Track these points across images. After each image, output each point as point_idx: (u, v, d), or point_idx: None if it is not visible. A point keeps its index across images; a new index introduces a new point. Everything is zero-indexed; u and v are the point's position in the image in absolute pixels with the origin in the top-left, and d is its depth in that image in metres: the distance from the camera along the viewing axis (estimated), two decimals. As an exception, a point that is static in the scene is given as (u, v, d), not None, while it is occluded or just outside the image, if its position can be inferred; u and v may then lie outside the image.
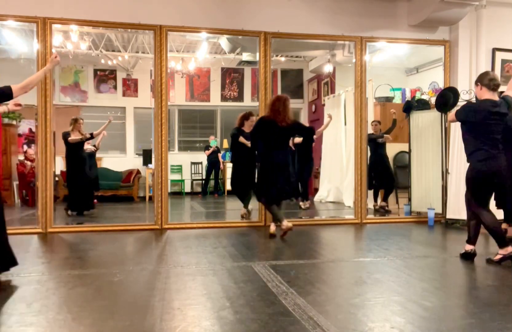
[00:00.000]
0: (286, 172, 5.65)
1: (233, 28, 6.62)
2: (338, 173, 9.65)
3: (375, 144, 7.95)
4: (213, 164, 11.51)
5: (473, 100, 5.75)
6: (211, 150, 11.46)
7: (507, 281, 3.82)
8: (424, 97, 8.16)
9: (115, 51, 10.69)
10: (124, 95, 12.05)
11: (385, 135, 8.04)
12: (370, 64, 7.59)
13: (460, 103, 5.90)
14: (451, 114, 4.63)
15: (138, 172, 11.31)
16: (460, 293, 3.59)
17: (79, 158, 7.64)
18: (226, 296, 3.22)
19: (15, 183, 9.70)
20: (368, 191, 7.22)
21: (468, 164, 4.37)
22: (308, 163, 8.56)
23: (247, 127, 6.87)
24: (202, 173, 12.21)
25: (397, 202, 8.21)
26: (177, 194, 11.69)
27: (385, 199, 8.11)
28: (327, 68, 10.26)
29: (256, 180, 5.95)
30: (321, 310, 2.91)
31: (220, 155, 11.69)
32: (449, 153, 6.81)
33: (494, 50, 7.22)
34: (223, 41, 8.39)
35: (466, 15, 6.95)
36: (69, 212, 7.54)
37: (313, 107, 12.10)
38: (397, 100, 9.06)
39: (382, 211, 7.99)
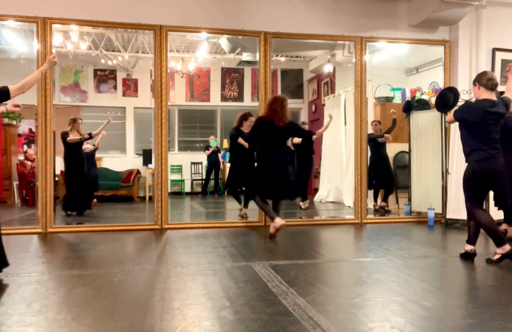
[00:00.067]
0: (284, 171, 5.64)
1: (233, 28, 6.62)
2: (338, 173, 9.65)
3: (376, 144, 7.95)
4: (213, 164, 11.51)
5: (473, 100, 5.75)
6: (211, 150, 11.46)
7: (507, 281, 3.82)
8: (424, 97, 8.16)
9: (115, 51, 10.69)
10: (124, 95, 12.05)
11: (385, 135, 8.04)
12: (370, 64, 7.59)
13: (460, 103, 5.90)
14: (449, 114, 4.62)
15: (138, 172, 11.31)
16: (460, 293, 3.59)
17: (78, 158, 7.64)
18: (226, 296, 3.22)
19: (15, 183, 9.71)
20: (368, 191, 7.22)
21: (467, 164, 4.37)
22: (307, 163, 8.56)
23: (246, 128, 6.87)
24: (202, 173, 12.21)
25: (397, 202, 8.21)
26: (177, 194, 11.69)
27: (385, 199, 8.11)
28: (327, 68, 10.26)
29: (251, 179, 5.91)
30: (321, 310, 2.91)
31: (220, 155, 11.70)
32: (449, 153, 6.81)
33: (494, 50, 7.22)
34: (223, 41, 8.39)
35: (466, 15, 6.95)
36: (68, 212, 7.54)
37: (313, 107, 12.10)
38: (397, 100, 9.06)
39: (382, 211, 7.99)
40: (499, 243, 4.23)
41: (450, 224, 6.66)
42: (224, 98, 12.57)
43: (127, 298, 3.26)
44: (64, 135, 7.46)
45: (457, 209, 6.48)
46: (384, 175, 8.02)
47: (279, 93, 11.43)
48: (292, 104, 12.10)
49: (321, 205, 9.76)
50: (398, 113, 8.13)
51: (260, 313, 2.86)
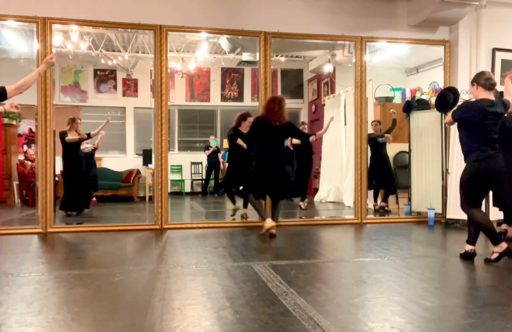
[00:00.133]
0: (283, 171, 5.64)
1: (233, 28, 6.62)
2: (338, 173, 9.65)
3: (376, 144, 7.95)
4: (213, 164, 11.51)
5: (472, 100, 5.74)
6: (211, 150, 11.47)
7: (507, 281, 3.82)
8: (424, 97, 8.16)
9: (115, 51, 10.69)
10: (124, 95, 12.06)
11: (385, 134, 8.04)
12: (370, 64, 7.58)
13: (460, 104, 5.90)
14: (448, 116, 4.62)
15: (138, 172, 11.31)
16: (460, 293, 3.59)
17: (76, 158, 7.63)
18: (226, 296, 3.22)
19: (15, 183, 9.71)
20: (368, 191, 7.22)
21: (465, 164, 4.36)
22: (307, 163, 8.56)
23: (244, 128, 6.84)
24: (202, 173, 12.21)
25: (397, 202, 8.21)
26: (177, 194, 11.69)
27: (385, 199, 8.11)
28: (327, 68, 10.26)
29: (248, 178, 5.91)
30: (321, 310, 2.91)
31: (220, 155, 11.69)
32: (449, 153, 6.81)
33: (494, 50, 7.22)
34: (223, 41, 8.39)
35: (466, 15, 6.95)
36: (68, 212, 7.54)
37: (313, 107, 12.10)
38: (397, 100, 9.06)
39: (382, 211, 7.99)
40: (495, 242, 4.23)
41: (450, 224, 6.66)
42: (224, 98, 12.57)
43: (127, 298, 3.25)
44: (63, 135, 7.46)
45: (457, 209, 6.41)
46: (384, 175, 8.02)
47: (279, 93, 11.43)
48: (292, 104, 12.20)
49: (321, 205, 9.76)
50: (398, 113, 8.13)
51: (260, 313, 2.86)
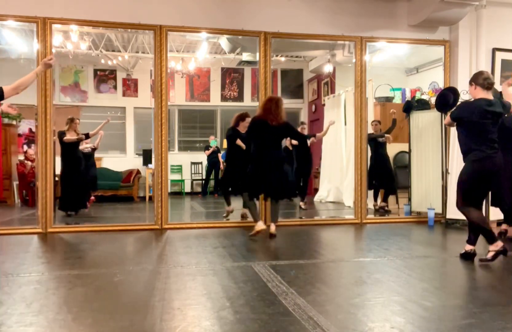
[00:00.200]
0: (280, 171, 5.63)
1: (233, 28, 6.62)
2: (338, 173, 9.65)
3: (376, 144, 7.95)
4: (213, 164, 11.50)
5: (471, 100, 5.75)
6: (211, 150, 11.46)
7: (507, 281, 3.83)
8: (424, 97, 8.16)
9: (115, 51, 10.69)
10: (124, 95, 12.06)
11: (385, 134, 8.04)
12: (370, 64, 7.59)
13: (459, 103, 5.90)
14: (447, 117, 4.62)
15: (138, 172, 11.31)
16: (460, 293, 3.59)
17: (75, 158, 7.62)
18: (226, 296, 3.22)
19: (15, 183, 9.71)
20: (368, 191, 7.22)
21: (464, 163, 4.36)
22: (306, 163, 8.56)
23: (242, 128, 6.83)
24: (202, 173, 12.21)
25: (397, 202, 8.21)
26: (177, 194, 11.69)
27: (385, 199, 8.11)
28: (327, 68, 10.26)
29: (244, 177, 5.91)
30: (321, 310, 2.91)
31: (220, 155, 11.68)
32: (449, 153, 6.81)
33: (494, 50, 7.23)
34: (223, 41, 8.39)
35: (466, 15, 6.95)
36: (68, 212, 7.54)
37: (313, 107, 12.10)
38: (397, 100, 9.06)
39: (382, 211, 7.99)
40: (491, 240, 4.23)
41: (450, 224, 6.66)
42: (224, 98, 12.57)
43: (127, 298, 3.25)
44: (61, 135, 7.45)
45: (457, 209, 6.47)
46: (384, 175, 8.02)
47: (279, 93, 11.44)
48: (292, 104, 12.21)
49: (321, 205, 9.76)
50: (398, 113, 8.13)
51: (260, 313, 2.86)
